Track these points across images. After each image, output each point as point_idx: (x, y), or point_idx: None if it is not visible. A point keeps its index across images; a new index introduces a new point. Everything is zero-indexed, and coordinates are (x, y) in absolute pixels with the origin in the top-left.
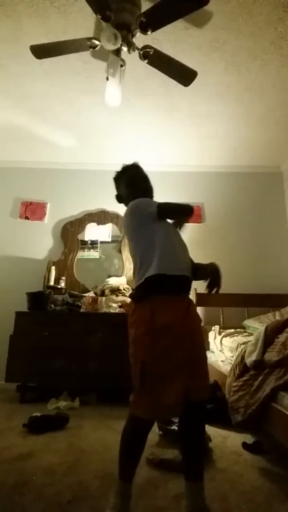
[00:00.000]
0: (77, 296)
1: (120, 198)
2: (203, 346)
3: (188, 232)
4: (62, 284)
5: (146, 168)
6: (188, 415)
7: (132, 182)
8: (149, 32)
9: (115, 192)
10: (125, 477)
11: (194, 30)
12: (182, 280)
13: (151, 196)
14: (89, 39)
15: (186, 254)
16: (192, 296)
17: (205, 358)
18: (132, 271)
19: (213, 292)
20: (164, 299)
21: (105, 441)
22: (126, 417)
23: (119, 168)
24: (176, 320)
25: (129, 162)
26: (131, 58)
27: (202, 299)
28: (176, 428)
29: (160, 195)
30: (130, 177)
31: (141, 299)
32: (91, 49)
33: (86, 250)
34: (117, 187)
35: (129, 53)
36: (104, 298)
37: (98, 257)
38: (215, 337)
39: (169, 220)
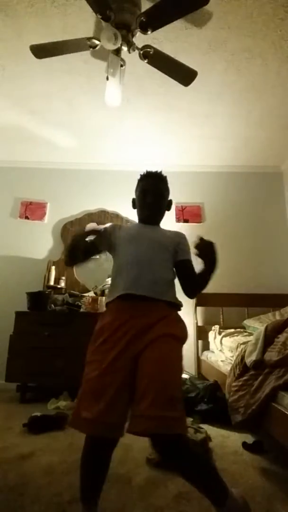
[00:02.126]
0: (77, 296)
1: (134, 204)
2: (169, 368)
3: (189, 233)
4: (62, 284)
5: (146, 168)
6: (158, 452)
7: (140, 194)
8: (149, 32)
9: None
10: (85, 500)
11: (194, 30)
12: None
13: (156, 212)
14: (89, 38)
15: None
16: None
17: (170, 381)
18: None
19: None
20: (116, 303)
21: None
22: None
23: (143, 171)
24: (117, 324)
25: (153, 169)
26: (131, 58)
27: (202, 299)
28: None
29: None
30: (140, 189)
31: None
32: (91, 49)
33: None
34: (135, 192)
35: (129, 52)
36: (104, 298)
37: (98, 257)
38: (215, 337)
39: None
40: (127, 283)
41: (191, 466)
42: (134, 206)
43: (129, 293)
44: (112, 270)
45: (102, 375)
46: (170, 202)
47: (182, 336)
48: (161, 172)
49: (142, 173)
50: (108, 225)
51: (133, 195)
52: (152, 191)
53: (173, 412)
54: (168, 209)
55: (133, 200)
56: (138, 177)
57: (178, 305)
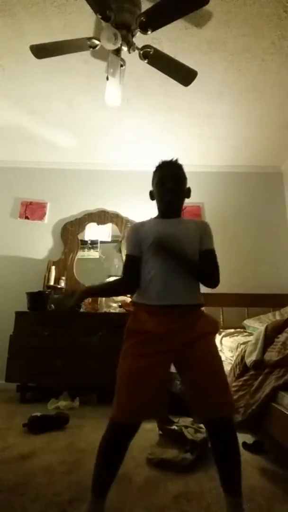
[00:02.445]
0: None
1: (152, 196)
2: (217, 362)
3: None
4: (62, 284)
5: (146, 168)
6: (211, 432)
7: (159, 182)
8: (149, 32)
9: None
10: (98, 491)
11: (194, 30)
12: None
13: (177, 197)
14: (89, 38)
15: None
16: None
17: (217, 372)
18: None
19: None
20: (150, 307)
21: None
22: None
23: (159, 162)
24: (155, 325)
25: (169, 157)
26: (131, 58)
27: None
28: (176, 427)
29: None
30: (158, 178)
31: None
32: (91, 49)
33: (86, 250)
34: (152, 183)
35: (129, 53)
36: (104, 298)
37: (98, 257)
38: None
39: None
40: (163, 292)
41: (233, 447)
42: (152, 198)
43: (165, 304)
44: (143, 270)
45: (148, 367)
46: (189, 189)
47: (216, 331)
48: (177, 159)
49: (157, 164)
50: (128, 231)
51: (133, 195)
52: (171, 177)
53: (230, 397)
54: (188, 196)
55: (151, 192)
56: (154, 168)
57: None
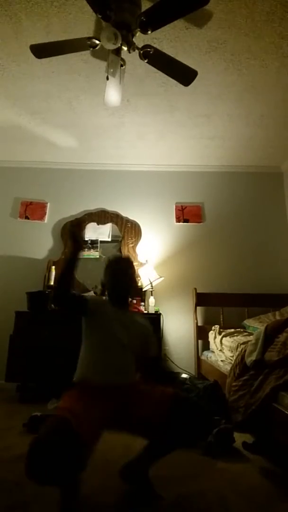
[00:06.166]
0: None
1: (103, 286)
2: None
3: (189, 233)
4: None
5: (146, 168)
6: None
7: (108, 278)
8: (149, 32)
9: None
10: None
11: (194, 30)
12: None
13: (122, 294)
14: (89, 38)
15: None
16: (192, 296)
17: None
18: None
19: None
20: None
21: (105, 441)
22: None
23: (112, 258)
24: None
25: (122, 256)
26: (131, 58)
27: (202, 299)
28: None
29: (160, 195)
30: (109, 272)
31: None
32: (91, 49)
33: (86, 250)
34: (104, 276)
35: (129, 52)
36: (104, 298)
37: (98, 256)
38: (215, 337)
39: None
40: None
41: None
42: (103, 288)
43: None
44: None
45: None
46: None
47: None
48: (128, 257)
49: (112, 259)
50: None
51: (133, 195)
52: (123, 275)
53: None
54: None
55: (102, 283)
56: (107, 263)
57: None
